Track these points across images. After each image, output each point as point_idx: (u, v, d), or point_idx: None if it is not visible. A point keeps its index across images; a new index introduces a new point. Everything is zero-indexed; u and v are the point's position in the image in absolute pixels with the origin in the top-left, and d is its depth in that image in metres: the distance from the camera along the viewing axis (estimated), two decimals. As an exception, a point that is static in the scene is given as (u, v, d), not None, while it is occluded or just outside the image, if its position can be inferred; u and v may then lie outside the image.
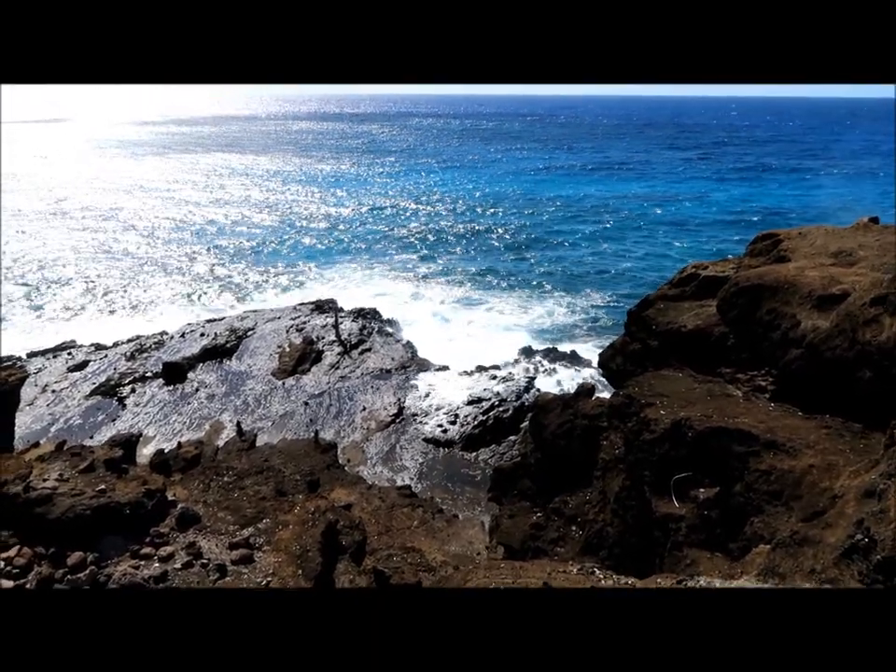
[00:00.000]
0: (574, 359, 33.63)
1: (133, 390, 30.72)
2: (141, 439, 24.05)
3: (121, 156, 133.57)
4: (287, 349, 34.31)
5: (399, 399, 30.01)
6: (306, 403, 29.71)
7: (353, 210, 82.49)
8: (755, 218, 73.44)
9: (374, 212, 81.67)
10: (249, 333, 36.38)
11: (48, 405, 29.46)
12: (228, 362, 33.57)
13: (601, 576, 8.67)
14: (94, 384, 31.25)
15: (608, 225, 73.41)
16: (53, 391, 30.64)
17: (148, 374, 32.12)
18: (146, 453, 23.54)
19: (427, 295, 49.56)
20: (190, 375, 32.19)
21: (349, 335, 36.08)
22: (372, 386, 31.29)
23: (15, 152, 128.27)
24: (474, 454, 26.36)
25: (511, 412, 28.22)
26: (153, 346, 35.35)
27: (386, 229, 72.61)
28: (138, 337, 37.32)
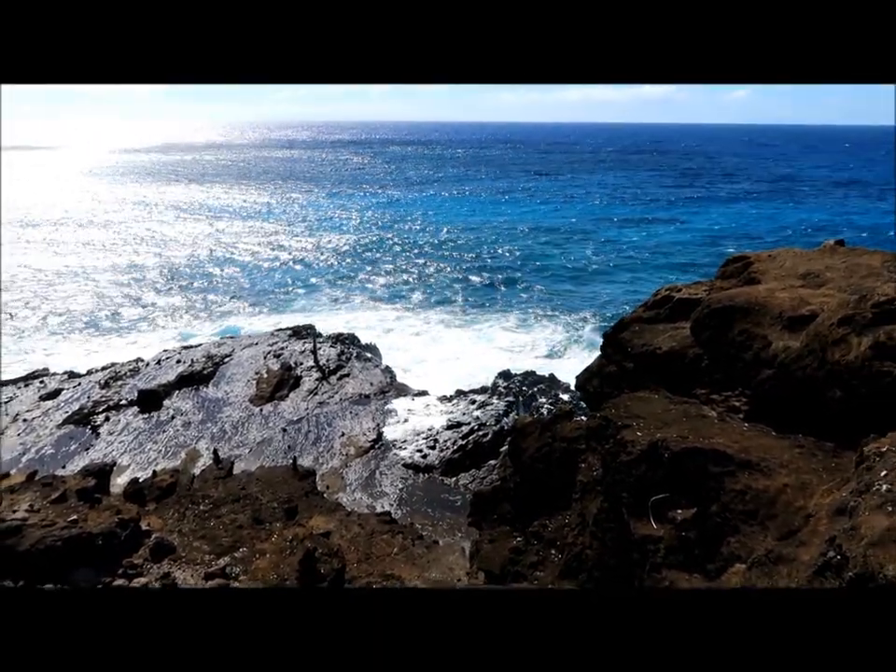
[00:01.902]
0: (552, 382, 33.77)
1: (107, 418, 30.24)
2: (115, 468, 23.66)
3: (101, 183, 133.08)
4: (265, 375, 34.07)
5: (378, 425, 29.88)
6: (284, 430, 29.45)
7: (330, 239, 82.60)
8: (730, 244, 74.73)
9: (353, 240, 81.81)
10: (226, 360, 36.09)
11: (19, 435, 28.88)
12: (204, 389, 33.21)
13: (580, 599, 8.64)
14: (67, 412, 30.73)
15: (587, 251, 74.22)
16: (25, 420, 30.07)
17: (123, 402, 31.66)
18: (120, 482, 23.10)
19: (406, 320, 49.64)
20: (166, 403, 31.79)
21: (327, 361, 35.93)
22: (351, 412, 31.13)
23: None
24: (454, 478, 26.25)
25: (490, 436, 28.21)
26: (128, 374, 34.90)
27: (365, 256, 72.78)
28: (112, 364, 36.83)
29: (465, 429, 28.65)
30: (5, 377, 35.57)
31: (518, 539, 15.69)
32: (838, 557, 6.43)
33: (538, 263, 68.14)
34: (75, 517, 13.87)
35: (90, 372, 35.90)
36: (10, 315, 49.75)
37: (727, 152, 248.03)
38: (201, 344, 39.51)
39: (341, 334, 40.65)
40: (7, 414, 30.31)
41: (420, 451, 27.66)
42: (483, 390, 33.06)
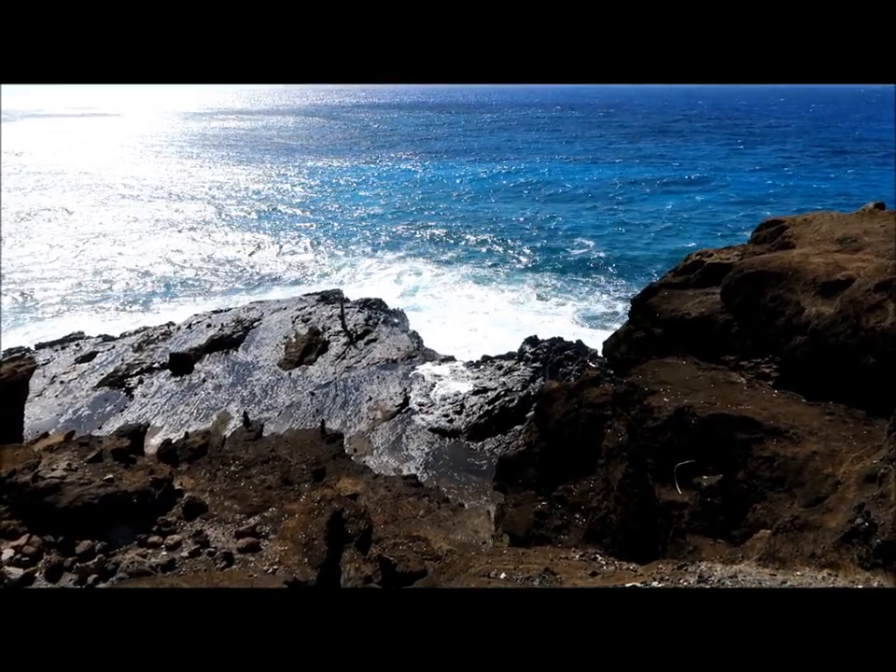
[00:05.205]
0: (580, 348, 33.59)
1: (140, 381, 30.91)
2: (149, 429, 24.25)
3: (146, 156, 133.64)
4: (294, 340, 34.43)
5: (405, 390, 30.10)
6: (312, 394, 29.83)
7: (357, 208, 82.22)
8: (765, 208, 72.68)
9: (381, 209, 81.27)
10: (255, 324, 36.51)
11: (56, 396, 29.68)
12: (234, 353, 33.70)
13: (603, 562, 8.71)
14: (102, 375, 31.46)
15: (623, 216, 72.82)
16: (62, 382, 30.86)
17: (156, 365, 32.30)
18: (153, 443, 23.70)
19: (434, 286, 49.60)
20: (197, 366, 32.35)
21: (355, 325, 36.16)
22: (378, 377, 31.38)
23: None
24: (480, 443, 26.43)
25: (516, 401, 28.27)
26: (160, 337, 35.53)
27: (395, 225, 72.28)
28: (145, 328, 37.52)
29: (491, 395, 28.74)
30: (42, 340, 36.45)
31: (542, 503, 15.80)
32: (866, 524, 6.37)
33: (568, 230, 67.25)
34: (110, 476, 14.24)
35: (123, 336, 36.61)
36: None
37: (779, 114, 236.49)
38: (230, 309, 39.98)
39: (368, 299, 40.77)
40: (44, 376, 31.12)
41: (446, 416, 27.85)
42: (509, 356, 33.03)
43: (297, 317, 37.15)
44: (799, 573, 6.37)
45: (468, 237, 64.89)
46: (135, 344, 34.69)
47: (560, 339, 34.49)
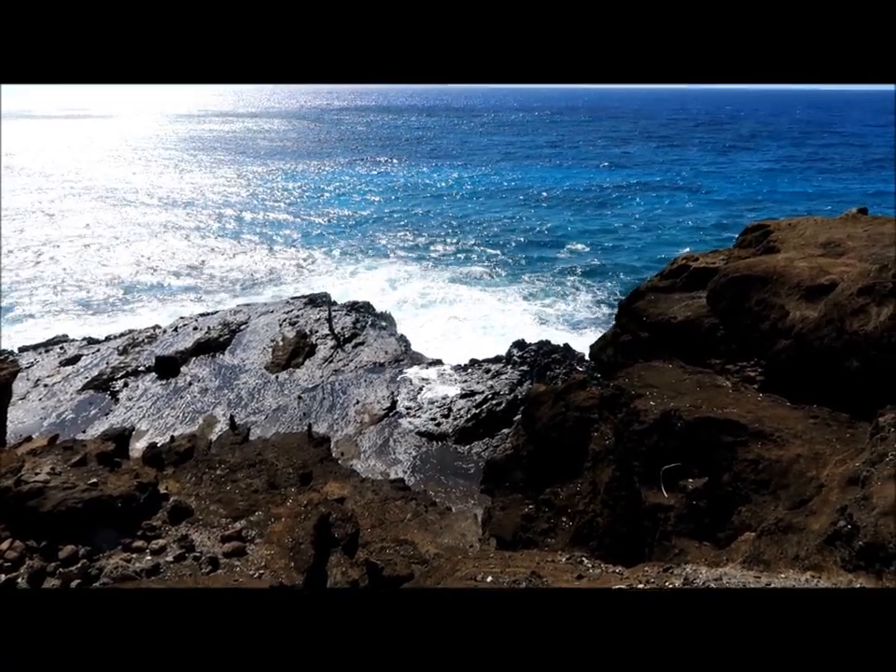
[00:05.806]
0: (567, 352, 33.67)
1: (125, 384, 30.67)
2: (134, 433, 24.02)
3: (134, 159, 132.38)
4: (281, 343, 34.29)
5: (393, 393, 30.04)
6: (299, 397, 29.71)
7: (344, 211, 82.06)
8: (748, 213, 73.22)
9: (369, 213, 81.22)
10: (242, 327, 36.33)
11: (40, 399, 29.38)
12: (221, 356, 33.51)
13: (589, 565, 8.72)
14: (87, 378, 31.18)
15: (613, 221, 73.10)
16: (45, 385, 30.56)
17: (141, 368, 32.06)
18: (138, 447, 23.49)
19: (422, 289, 49.57)
20: (183, 369, 32.14)
21: (342, 329, 36.07)
22: (366, 380, 31.31)
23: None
24: (467, 447, 26.42)
25: (504, 405, 28.30)
26: (145, 340, 35.27)
27: (383, 228, 72.21)
28: (130, 331, 37.23)
29: (479, 398, 28.76)
30: (26, 343, 36.10)
31: (530, 506, 15.82)
32: (849, 527, 6.42)
33: (556, 233, 67.46)
34: (95, 480, 14.08)
35: (108, 339, 36.32)
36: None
37: (766, 118, 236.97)
38: (217, 312, 39.77)
39: (356, 302, 40.68)
40: (28, 379, 30.81)
41: (434, 419, 27.83)
42: (497, 359, 33.06)
43: (284, 320, 37.01)
44: (783, 575, 6.41)
45: (455, 240, 64.95)
46: (120, 347, 34.41)
47: (547, 342, 34.56)
